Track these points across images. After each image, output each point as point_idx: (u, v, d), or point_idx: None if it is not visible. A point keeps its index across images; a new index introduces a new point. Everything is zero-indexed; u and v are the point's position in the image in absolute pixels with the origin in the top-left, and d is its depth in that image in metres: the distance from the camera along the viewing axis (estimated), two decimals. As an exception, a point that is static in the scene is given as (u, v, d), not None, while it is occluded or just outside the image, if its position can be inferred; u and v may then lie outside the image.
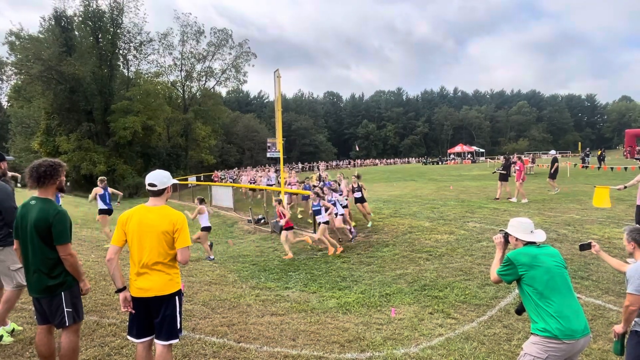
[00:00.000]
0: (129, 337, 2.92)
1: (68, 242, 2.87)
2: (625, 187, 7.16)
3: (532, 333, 2.63)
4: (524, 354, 2.62)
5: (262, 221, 13.18)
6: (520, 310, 2.88)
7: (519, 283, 2.73)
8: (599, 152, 29.92)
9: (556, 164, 14.66)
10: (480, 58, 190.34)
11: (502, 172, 13.47)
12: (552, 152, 17.65)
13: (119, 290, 2.83)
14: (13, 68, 34.10)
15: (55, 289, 2.86)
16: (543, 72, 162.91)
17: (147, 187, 2.88)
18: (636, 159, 20.26)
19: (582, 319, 2.56)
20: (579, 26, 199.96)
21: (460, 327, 4.47)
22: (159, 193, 2.89)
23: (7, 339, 3.74)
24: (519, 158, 14.42)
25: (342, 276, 6.76)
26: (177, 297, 2.87)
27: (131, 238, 2.81)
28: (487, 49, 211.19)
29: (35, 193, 3.01)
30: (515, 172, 13.41)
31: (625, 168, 20.49)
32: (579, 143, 66.95)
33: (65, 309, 2.87)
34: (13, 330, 3.87)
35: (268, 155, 14.28)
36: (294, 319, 4.82)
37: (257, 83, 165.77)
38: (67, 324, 2.89)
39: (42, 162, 2.95)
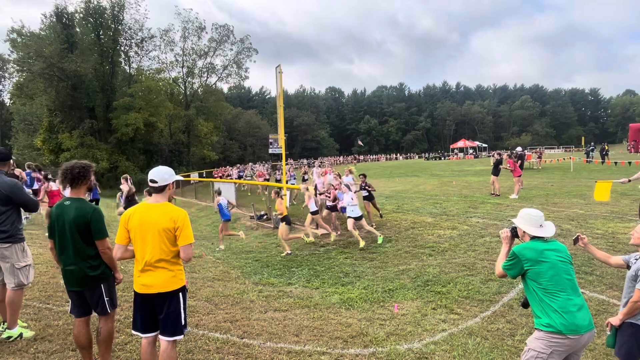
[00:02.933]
0: (134, 332, 2.95)
1: (106, 237, 3.09)
2: (629, 181, 7.11)
3: (535, 328, 2.61)
4: (528, 349, 2.60)
5: (265, 217, 13.20)
6: (526, 304, 2.84)
7: (523, 278, 2.70)
8: (606, 147, 29.73)
9: (520, 161, 14.58)
10: (483, 52, 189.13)
11: (495, 166, 13.41)
12: (519, 148, 17.37)
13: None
14: (15, 65, 34.18)
15: (96, 281, 3.08)
16: (546, 66, 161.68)
17: (149, 184, 2.89)
18: None
19: (586, 314, 2.54)
20: (583, 19, 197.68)
21: (463, 323, 4.46)
22: (160, 189, 2.89)
23: (28, 333, 3.80)
24: (509, 155, 14.34)
25: (345, 272, 6.76)
26: (180, 294, 2.88)
27: (134, 236, 2.82)
28: (489, 43, 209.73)
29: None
30: (509, 168, 13.30)
31: (630, 162, 20.37)
32: (583, 138, 66.54)
33: (105, 299, 3.12)
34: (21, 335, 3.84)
35: (270, 151, 14.26)
36: (297, 315, 4.83)
37: (259, 78, 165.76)
38: (108, 312, 3.14)
39: (75, 164, 3.14)
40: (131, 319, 4.39)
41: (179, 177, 3.23)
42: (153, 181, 2.86)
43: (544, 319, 2.54)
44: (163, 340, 2.84)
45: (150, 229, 2.77)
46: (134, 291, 2.87)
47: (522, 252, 2.67)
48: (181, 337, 2.92)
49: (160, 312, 2.82)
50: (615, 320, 2.82)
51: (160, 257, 2.78)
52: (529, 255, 2.64)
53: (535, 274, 2.61)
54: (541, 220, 2.77)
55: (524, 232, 2.80)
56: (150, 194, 9.82)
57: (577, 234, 3.17)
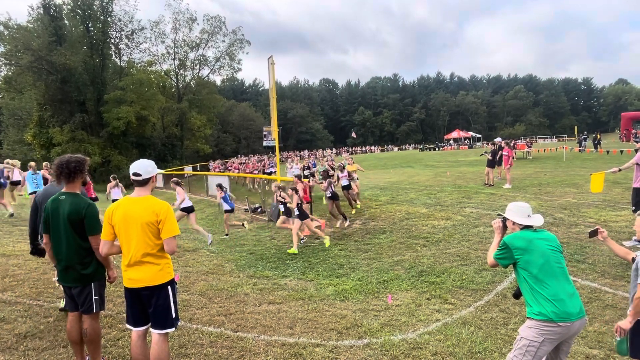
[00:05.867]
0: (127, 326, 2.94)
1: (99, 233, 3.00)
2: (619, 170, 7.15)
3: (527, 317, 2.64)
4: (520, 338, 2.62)
5: (259, 210, 13.16)
6: (517, 294, 2.88)
7: (515, 267, 2.74)
8: (598, 136, 29.97)
9: (500, 152, 14.05)
10: (476, 42, 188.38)
11: (489, 158, 13.40)
12: (498, 139, 16.97)
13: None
14: (2, 59, 33.47)
15: (88, 279, 3.06)
16: (540, 56, 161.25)
17: (132, 177, 2.85)
18: (635, 141, 20.08)
19: (577, 302, 2.56)
20: (577, 7, 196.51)
21: (457, 312, 4.48)
22: (143, 183, 2.86)
23: None
24: (507, 144, 14.30)
25: (340, 263, 6.76)
26: (169, 287, 2.86)
27: (118, 230, 2.80)
28: (484, 32, 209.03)
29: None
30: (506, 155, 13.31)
31: (622, 151, 20.53)
32: (575, 127, 66.98)
33: (93, 297, 3.08)
34: None
35: (264, 144, 14.17)
36: (291, 307, 4.82)
37: (252, 70, 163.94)
38: (94, 311, 3.09)
39: (70, 158, 3.11)
40: (123, 314, 4.36)
41: (161, 171, 3.21)
42: (137, 174, 2.83)
43: (536, 307, 2.56)
44: (154, 333, 2.83)
45: (133, 223, 2.74)
46: (124, 286, 2.85)
47: (512, 241, 2.71)
48: (172, 330, 2.90)
49: (149, 306, 2.81)
50: (626, 324, 2.63)
51: (145, 251, 2.76)
52: (518, 244, 2.68)
53: (525, 263, 2.64)
54: (529, 211, 2.81)
55: (513, 223, 2.84)
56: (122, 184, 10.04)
57: (597, 227, 3.11)
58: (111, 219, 2.80)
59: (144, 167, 2.86)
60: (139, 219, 2.74)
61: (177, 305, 2.93)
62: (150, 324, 2.88)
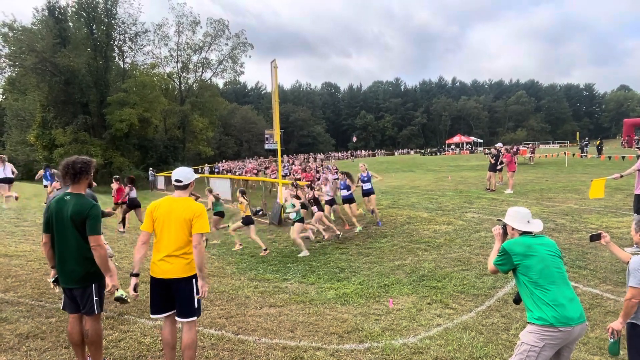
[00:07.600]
0: (152, 316, 3.19)
1: (99, 234, 3.09)
2: (621, 176, 7.14)
3: (528, 322, 2.64)
4: (521, 343, 2.63)
5: (260, 213, 13.17)
6: (518, 300, 2.89)
7: (515, 273, 2.75)
8: (597, 142, 29.98)
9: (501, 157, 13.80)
10: (479, 47, 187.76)
11: (492, 161, 13.40)
12: (499, 144, 16.63)
13: (134, 275, 3.11)
14: (7, 60, 33.69)
15: (88, 279, 3.09)
16: (543, 61, 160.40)
17: (174, 183, 3.24)
18: (637, 147, 19.98)
19: (577, 306, 2.56)
20: (581, 12, 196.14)
21: (458, 317, 4.48)
22: (184, 187, 3.24)
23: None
24: (507, 150, 14.29)
25: (341, 267, 6.77)
26: (194, 280, 3.12)
27: (158, 224, 3.09)
28: (486, 37, 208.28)
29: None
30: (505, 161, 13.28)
31: (623, 157, 20.50)
32: (577, 133, 66.90)
33: (94, 299, 3.12)
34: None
35: (266, 146, 14.23)
36: (292, 311, 4.82)
37: (255, 73, 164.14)
38: (95, 312, 3.13)
39: (76, 159, 3.19)
40: (124, 316, 4.38)
41: (196, 176, 3.50)
42: (178, 181, 3.21)
43: (536, 312, 2.57)
44: (182, 322, 3.11)
45: (174, 219, 3.07)
46: (151, 276, 3.10)
47: (511, 247, 2.73)
48: (196, 318, 3.15)
49: (176, 295, 3.08)
50: (617, 325, 2.71)
51: (180, 245, 3.05)
52: (517, 250, 2.69)
53: (525, 268, 2.65)
54: (528, 216, 2.83)
55: (512, 228, 2.86)
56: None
57: (599, 232, 3.12)
58: (153, 213, 3.12)
59: (184, 174, 3.25)
60: (181, 215, 3.08)
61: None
62: (174, 310, 3.14)
